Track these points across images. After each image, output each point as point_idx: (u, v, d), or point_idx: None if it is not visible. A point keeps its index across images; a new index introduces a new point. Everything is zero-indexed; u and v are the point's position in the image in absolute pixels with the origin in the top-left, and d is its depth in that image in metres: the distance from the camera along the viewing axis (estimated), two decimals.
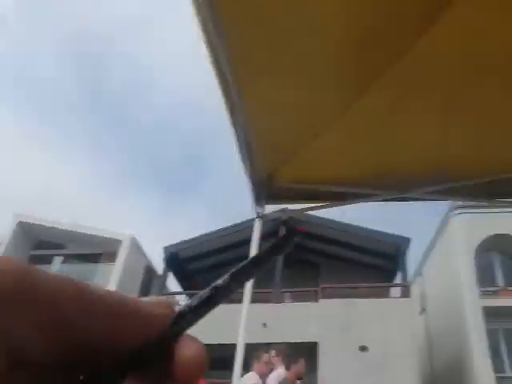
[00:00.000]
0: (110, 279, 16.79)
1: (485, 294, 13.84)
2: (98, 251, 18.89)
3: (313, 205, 3.29)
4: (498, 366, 13.03)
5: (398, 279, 15.54)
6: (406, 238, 14.86)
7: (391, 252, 15.05)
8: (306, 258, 16.73)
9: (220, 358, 13.47)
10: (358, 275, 15.57)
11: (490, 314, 13.23)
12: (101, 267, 18.19)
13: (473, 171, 2.45)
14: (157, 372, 0.23)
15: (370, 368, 11.98)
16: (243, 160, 2.53)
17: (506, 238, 14.56)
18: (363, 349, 12.39)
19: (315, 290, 14.26)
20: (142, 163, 56.89)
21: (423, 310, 17.27)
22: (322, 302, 13.63)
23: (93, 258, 18.81)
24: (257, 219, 2.92)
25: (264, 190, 2.86)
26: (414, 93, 2.13)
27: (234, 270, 0.25)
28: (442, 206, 15.80)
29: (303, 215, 12.74)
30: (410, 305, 13.19)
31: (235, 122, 2.28)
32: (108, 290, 0.23)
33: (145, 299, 0.23)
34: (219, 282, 0.25)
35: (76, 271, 18.08)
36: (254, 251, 2.77)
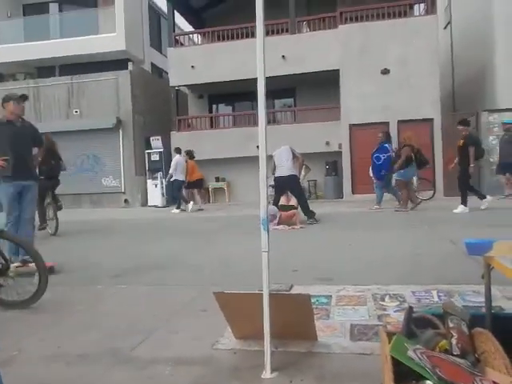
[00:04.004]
0: (116, 23, 15.86)
1: None
2: None
3: None
4: None
5: None
6: None
7: None
8: None
9: (244, 92, 13.99)
10: None
11: None
12: (101, 11, 16.92)
13: None
14: None
15: (392, 89, 12.29)
16: None
17: None
18: (385, 72, 12.41)
19: (333, 16, 13.29)
20: None
21: (448, 24, 16.35)
22: (342, 27, 12.90)
23: (89, 2, 17.31)
24: None
25: None
26: None
27: None
28: None
29: None
30: (435, 22, 12.39)
31: None
32: None
33: None
34: None
35: (77, 19, 16.99)
36: None
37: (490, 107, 12.25)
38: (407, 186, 8.92)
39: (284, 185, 7.53)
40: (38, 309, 3.11)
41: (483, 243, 1.62)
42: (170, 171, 11.13)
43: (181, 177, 11.12)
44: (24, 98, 4.62)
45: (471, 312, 1.74)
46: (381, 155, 9.24)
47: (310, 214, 7.55)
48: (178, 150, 11.56)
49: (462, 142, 8.01)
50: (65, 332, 2.67)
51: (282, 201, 7.58)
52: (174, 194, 11.52)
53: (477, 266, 2.73)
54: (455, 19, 16.00)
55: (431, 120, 12.20)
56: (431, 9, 12.65)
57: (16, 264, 4.32)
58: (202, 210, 11.48)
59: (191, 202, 11.26)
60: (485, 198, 8.04)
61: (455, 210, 7.92)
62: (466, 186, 8.06)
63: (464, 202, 7.94)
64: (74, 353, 2.31)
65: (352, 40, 12.69)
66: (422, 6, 13.62)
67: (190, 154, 11.65)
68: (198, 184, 11.86)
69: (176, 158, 11.23)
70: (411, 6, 13.79)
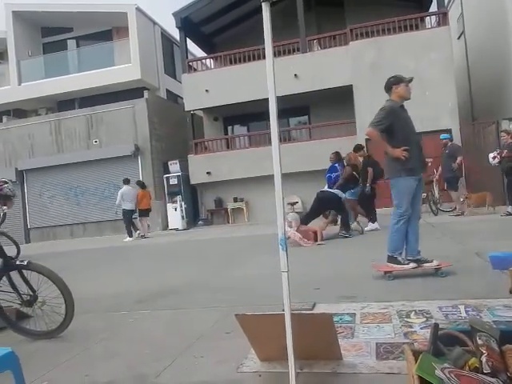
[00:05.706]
0: (131, 53, 16.37)
1: None
2: (107, 28, 17.88)
3: None
4: None
5: (434, 7, 14.24)
6: None
7: None
8: None
9: (258, 112, 14.12)
10: (387, 8, 14.26)
11: None
12: (116, 44, 17.51)
13: None
14: None
15: (408, 101, 12.15)
16: None
17: None
18: None
19: (344, 33, 13.43)
20: None
21: (462, 34, 16.31)
22: (353, 44, 12.99)
23: (105, 36, 17.95)
24: None
25: None
26: None
27: None
28: None
29: None
30: (447, 33, 12.37)
31: None
32: None
33: None
34: None
35: (93, 53, 17.62)
36: None
37: (510, 115, 12.04)
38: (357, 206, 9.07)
39: (327, 203, 8.03)
40: (63, 338, 3.14)
41: (507, 257, 1.58)
42: (116, 202, 12.07)
43: (128, 206, 11.91)
44: (411, 79, 4.19)
45: (500, 328, 1.69)
46: (331, 175, 9.23)
47: (347, 228, 7.86)
48: (127, 181, 12.33)
49: (361, 164, 8.68)
50: (91, 360, 2.69)
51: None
52: (124, 223, 12.20)
53: (506, 278, 2.65)
54: (468, 29, 15.96)
55: (450, 130, 12.05)
56: (443, 20, 12.65)
57: (412, 265, 4.00)
58: (147, 237, 12.12)
59: (138, 231, 12.16)
60: (375, 221, 8.47)
61: (366, 228, 8.35)
62: (371, 204, 8.63)
63: (372, 220, 8.44)
64: (101, 381, 2.32)
65: (364, 55, 12.75)
66: (434, 18, 13.64)
67: (140, 184, 12.58)
68: (145, 213, 12.49)
69: (122, 189, 12.03)
70: (422, 19, 13.82)
